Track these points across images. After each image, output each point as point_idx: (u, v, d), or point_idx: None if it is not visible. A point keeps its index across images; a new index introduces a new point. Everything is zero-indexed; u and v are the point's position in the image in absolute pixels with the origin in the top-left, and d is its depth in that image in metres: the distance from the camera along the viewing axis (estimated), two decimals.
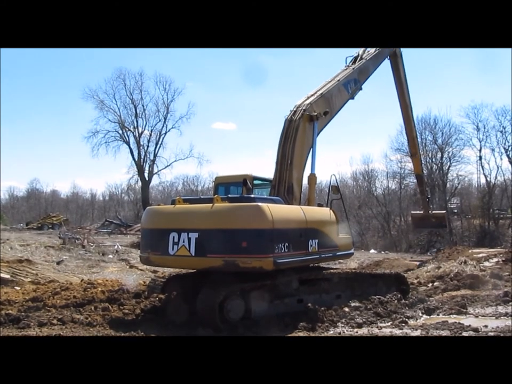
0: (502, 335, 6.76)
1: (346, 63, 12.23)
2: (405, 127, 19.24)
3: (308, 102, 9.97)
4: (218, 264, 7.19)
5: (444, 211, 25.21)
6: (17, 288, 11.06)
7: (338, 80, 11.14)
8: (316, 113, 9.77)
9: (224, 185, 10.26)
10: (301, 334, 6.93)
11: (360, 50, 12.65)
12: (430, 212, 20.74)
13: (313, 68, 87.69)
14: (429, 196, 22.45)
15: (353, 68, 11.87)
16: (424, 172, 23.33)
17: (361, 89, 12.27)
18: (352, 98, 11.88)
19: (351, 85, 11.62)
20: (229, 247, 7.16)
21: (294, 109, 9.84)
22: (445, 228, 21.26)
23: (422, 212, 21.19)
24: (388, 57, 15.37)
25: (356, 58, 12.30)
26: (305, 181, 9.83)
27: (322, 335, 6.98)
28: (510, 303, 9.25)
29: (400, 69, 16.43)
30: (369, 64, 12.74)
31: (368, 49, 13.00)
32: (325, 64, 79.37)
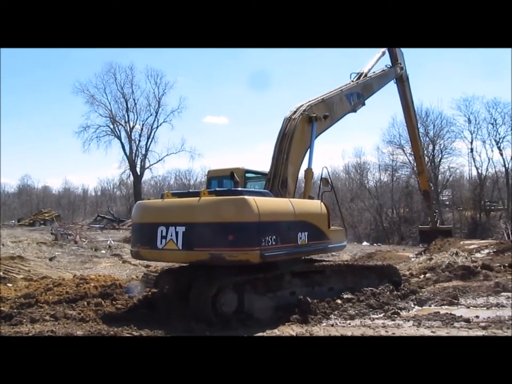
0: (493, 325, 6.82)
1: (350, 78, 12.44)
2: (411, 146, 20.02)
3: (308, 104, 10.11)
4: (205, 258, 7.19)
5: (451, 226, 26.01)
6: (10, 285, 11.02)
7: (341, 90, 11.39)
8: (315, 115, 9.89)
9: (217, 179, 10.25)
10: (293, 327, 6.97)
11: (365, 68, 12.91)
12: (437, 225, 20.82)
13: (307, 63, 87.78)
14: (436, 211, 22.56)
15: (357, 82, 12.17)
16: (431, 185, 23.51)
17: (364, 104, 12.54)
18: (354, 111, 12.17)
19: (353, 97, 11.86)
20: (215, 240, 7.14)
21: (294, 109, 9.95)
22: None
23: (429, 226, 21.26)
24: (395, 80, 15.71)
25: (360, 75, 12.48)
26: (301, 175, 9.90)
27: (315, 327, 7.02)
28: (501, 294, 9.33)
29: (407, 94, 16.87)
30: (373, 83, 13.16)
31: (373, 69, 13.43)
32: (320, 59, 79.39)
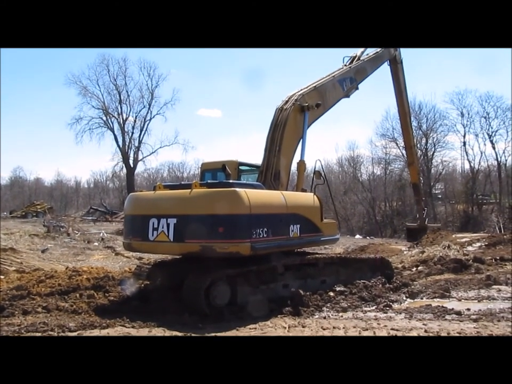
0: (484, 318, 6.87)
1: (343, 62, 12.27)
2: (402, 135, 18.88)
3: (300, 92, 10.00)
4: (196, 250, 7.20)
5: (439, 224, 23.79)
6: (2, 277, 10.96)
7: (334, 76, 11.20)
8: (307, 104, 9.80)
9: (210, 172, 10.20)
10: (286, 319, 6.99)
11: (358, 51, 12.71)
12: (425, 223, 19.73)
13: (300, 54, 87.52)
14: (425, 208, 21.07)
15: (350, 67, 11.93)
16: (421, 179, 22.23)
17: (357, 88, 12.32)
18: (348, 96, 11.93)
19: (346, 82, 11.66)
20: (206, 232, 7.14)
21: (286, 99, 9.85)
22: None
23: (416, 224, 20.07)
24: (388, 62, 15.42)
25: (353, 58, 12.33)
26: (294, 167, 9.86)
27: (308, 319, 7.04)
28: (492, 287, 9.40)
29: (400, 77, 16.38)
30: (367, 66, 12.89)
31: (366, 52, 13.10)
32: (313, 49, 79.13)
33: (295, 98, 9.76)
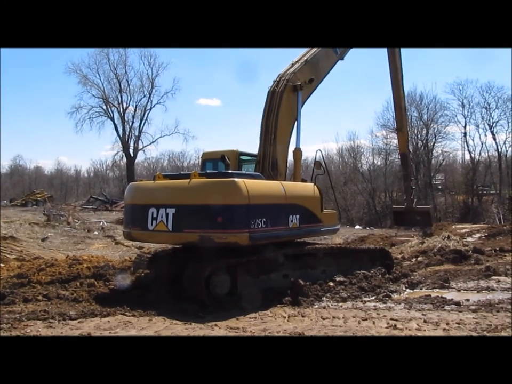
0: (483, 308, 6.89)
1: None
2: (392, 94, 15.96)
3: (291, 70, 9.68)
4: (194, 239, 7.21)
5: (429, 206, 21.79)
6: (2, 265, 10.98)
7: None
8: (300, 83, 9.51)
9: (211, 161, 10.15)
10: (286, 309, 7.02)
11: None
12: (413, 205, 16.93)
13: None
14: (414, 187, 18.49)
15: None
16: (410, 151, 20.27)
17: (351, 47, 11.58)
18: (342, 59, 11.35)
19: None
20: (204, 222, 7.17)
21: (277, 79, 9.58)
22: (430, 226, 17.53)
23: (404, 206, 17.39)
24: None
25: None
26: (290, 156, 9.79)
27: (307, 309, 7.06)
28: (491, 277, 9.42)
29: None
30: None
31: None
32: None
33: (287, 78, 9.47)
